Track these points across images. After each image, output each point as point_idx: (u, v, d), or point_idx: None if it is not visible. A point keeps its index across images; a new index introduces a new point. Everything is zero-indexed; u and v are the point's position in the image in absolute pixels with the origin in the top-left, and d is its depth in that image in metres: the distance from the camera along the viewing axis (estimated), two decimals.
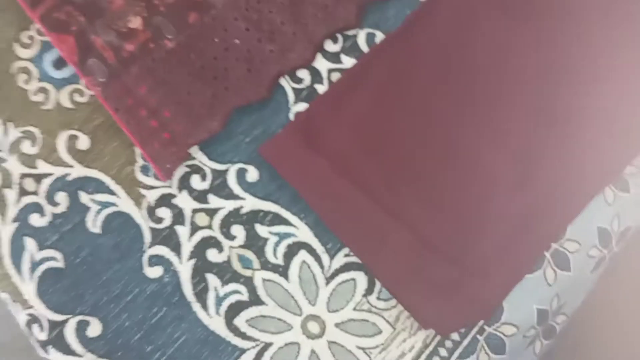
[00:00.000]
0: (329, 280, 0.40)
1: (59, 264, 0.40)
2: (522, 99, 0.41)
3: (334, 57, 0.44)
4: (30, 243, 0.40)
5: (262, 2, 0.44)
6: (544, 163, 0.40)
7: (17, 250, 0.40)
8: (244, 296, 0.39)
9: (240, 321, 0.39)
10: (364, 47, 0.44)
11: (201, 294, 0.40)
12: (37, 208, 0.41)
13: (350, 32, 0.44)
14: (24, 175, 0.41)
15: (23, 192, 0.41)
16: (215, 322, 0.39)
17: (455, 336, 0.39)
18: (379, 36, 0.44)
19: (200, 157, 0.42)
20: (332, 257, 0.40)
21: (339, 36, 0.44)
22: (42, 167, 0.42)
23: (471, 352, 0.39)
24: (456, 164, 0.41)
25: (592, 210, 0.41)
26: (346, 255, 0.40)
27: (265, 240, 0.40)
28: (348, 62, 0.44)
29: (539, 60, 0.41)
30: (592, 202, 0.40)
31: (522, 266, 0.40)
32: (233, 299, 0.39)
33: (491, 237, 0.40)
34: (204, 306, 0.39)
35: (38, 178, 0.41)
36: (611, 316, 0.48)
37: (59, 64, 0.44)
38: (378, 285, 0.40)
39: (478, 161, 0.41)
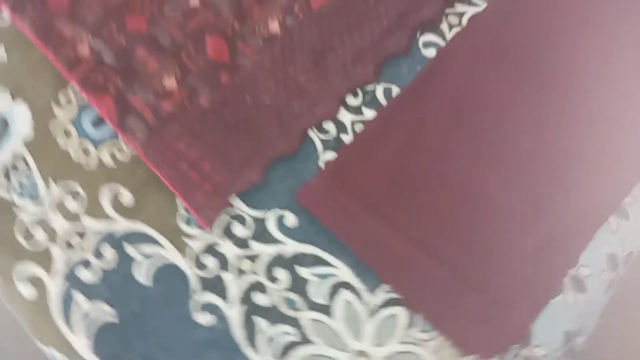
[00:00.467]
0: (371, 316, 0.42)
1: (111, 317, 0.41)
2: (530, 140, 0.46)
3: (356, 110, 0.48)
4: (80, 299, 0.41)
5: (288, 64, 0.48)
6: (554, 197, 0.45)
7: (67, 307, 0.41)
8: (293, 337, 0.41)
9: None
10: (382, 100, 0.48)
11: (251, 337, 0.41)
12: (85, 263, 0.42)
13: (369, 88, 0.48)
14: (69, 232, 0.43)
15: (69, 248, 0.42)
16: None
17: None
18: (395, 90, 0.48)
19: (240, 206, 0.44)
20: (373, 294, 0.42)
21: (359, 91, 0.48)
22: (88, 222, 0.43)
23: None
24: (475, 202, 0.45)
25: (600, 237, 0.45)
26: (386, 292, 0.43)
27: (308, 281, 0.43)
28: (369, 114, 0.48)
29: (542, 104, 0.47)
30: (599, 230, 0.45)
31: (545, 292, 0.43)
32: (283, 340, 0.41)
33: (514, 267, 0.43)
34: (255, 349, 0.41)
35: (83, 234, 0.43)
36: (622, 334, 0.52)
37: (98, 122, 0.46)
38: (419, 318, 0.42)
39: (494, 198, 0.45)
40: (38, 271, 0.42)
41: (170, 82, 0.47)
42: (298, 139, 0.47)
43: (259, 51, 0.48)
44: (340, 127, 0.47)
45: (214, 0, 0.49)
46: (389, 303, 0.42)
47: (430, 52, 0.50)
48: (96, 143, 0.45)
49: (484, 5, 0.51)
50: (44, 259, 0.42)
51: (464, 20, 0.51)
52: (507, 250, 0.44)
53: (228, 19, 0.49)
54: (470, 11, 0.51)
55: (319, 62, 0.49)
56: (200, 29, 0.49)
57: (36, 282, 0.42)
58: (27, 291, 0.42)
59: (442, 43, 0.50)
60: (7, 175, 0.44)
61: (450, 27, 0.51)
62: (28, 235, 0.43)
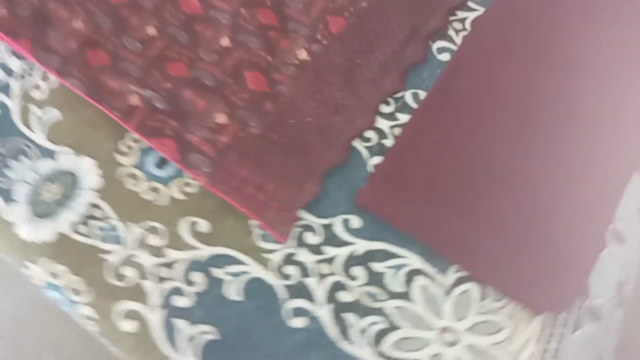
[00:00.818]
0: (447, 295, 0.46)
1: (214, 335, 0.44)
2: (551, 117, 0.52)
3: (391, 117, 0.52)
4: (181, 323, 0.44)
5: (322, 85, 0.53)
6: (585, 166, 0.50)
7: (171, 333, 0.43)
8: (382, 325, 0.45)
9: (386, 347, 0.44)
10: (412, 104, 0.53)
11: (344, 332, 0.44)
12: (177, 291, 0.45)
13: (398, 95, 0.53)
14: (157, 265, 0.45)
15: (160, 280, 0.45)
16: (365, 353, 0.44)
17: (563, 316, 0.46)
18: (422, 93, 0.53)
19: (307, 217, 0.48)
20: (444, 275, 0.46)
21: (390, 100, 0.53)
22: (172, 254, 0.46)
23: (580, 325, 0.46)
24: (514, 178, 0.50)
25: (628, 194, 0.51)
26: (455, 272, 0.46)
27: (384, 274, 0.46)
28: (403, 117, 0.52)
29: (552, 86, 0.52)
30: (627, 188, 0.50)
31: (594, 248, 0.48)
32: (373, 329, 0.44)
33: (563, 230, 0.48)
34: (350, 342, 0.44)
35: (170, 265, 0.46)
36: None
37: (161, 163, 0.49)
38: (489, 289, 0.46)
39: (531, 173, 0.50)
40: (136, 306, 0.44)
41: (220, 117, 0.51)
42: (344, 149, 0.51)
43: (293, 78, 0.53)
44: (380, 133, 0.52)
45: (243, 38, 0.54)
46: (460, 281, 0.46)
47: (445, 56, 0.55)
48: (164, 182, 0.48)
49: (481, 9, 0.57)
50: (138, 294, 0.45)
51: (467, 24, 0.56)
52: (553, 216, 0.49)
53: (260, 53, 0.54)
54: (470, 16, 0.57)
55: (349, 80, 0.53)
56: (237, 65, 0.53)
57: (136, 317, 0.44)
58: (129, 326, 0.44)
59: (453, 46, 0.55)
60: (87, 225, 0.47)
61: (457, 31, 0.56)
62: (119, 276, 0.45)
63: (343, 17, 0.56)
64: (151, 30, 0.54)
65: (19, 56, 0.53)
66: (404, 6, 0.57)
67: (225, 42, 0.54)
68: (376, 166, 0.50)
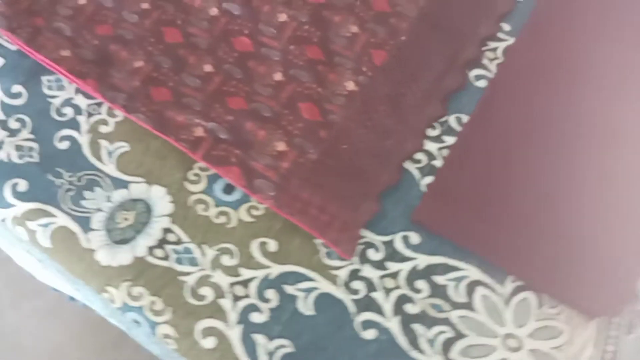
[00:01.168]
0: (507, 304, 0.48)
1: (290, 349, 0.46)
2: (584, 132, 0.55)
3: (438, 139, 0.56)
4: (259, 338, 0.46)
5: (371, 113, 0.57)
6: (619, 172, 0.54)
7: (250, 348, 0.46)
8: (449, 334, 0.47)
9: (454, 355, 0.46)
10: (457, 127, 0.57)
11: (414, 342, 0.47)
12: (253, 308, 0.47)
13: (443, 119, 0.57)
14: (232, 284, 0.48)
15: (237, 298, 0.47)
16: None
17: (617, 319, 0.49)
18: (464, 117, 0.57)
19: (368, 235, 0.51)
20: (502, 285, 0.49)
21: (436, 124, 0.57)
22: (245, 273, 0.48)
23: (632, 328, 0.49)
24: (560, 191, 0.53)
25: None
26: (513, 281, 0.49)
27: (446, 286, 0.49)
28: (449, 140, 0.56)
29: (585, 104, 0.57)
30: None
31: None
32: (441, 338, 0.47)
33: (609, 237, 0.51)
34: (421, 351, 0.46)
35: (245, 283, 0.48)
36: None
37: (228, 189, 0.52)
38: (545, 297, 0.49)
39: (576, 187, 0.54)
40: (215, 324, 0.47)
41: (280, 146, 0.54)
42: (397, 171, 0.54)
43: (344, 107, 0.57)
44: (429, 155, 0.55)
45: (294, 72, 0.58)
46: (517, 290, 0.49)
47: (482, 83, 0.59)
48: (233, 206, 0.51)
49: (510, 39, 0.62)
50: (217, 312, 0.47)
51: (498, 53, 0.61)
52: (600, 224, 0.52)
53: (311, 86, 0.58)
54: (500, 45, 0.61)
55: (396, 107, 0.57)
56: (292, 97, 0.57)
57: (216, 334, 0.46)
58: (210, 343, 0.46)
59: (488, 73, 0.59)
60: (162, 248, 0.50)
61: (490, 60, 0.60)
62: (197, 295, 0.48)
63: (385, 51, 0.60)
64: (208, 68, 0.58)
65: (85, 94, 0.57)
66: (439, 39, 0.61)
67: (278, 76, 0.58)
68: (429, 185, 0.54)
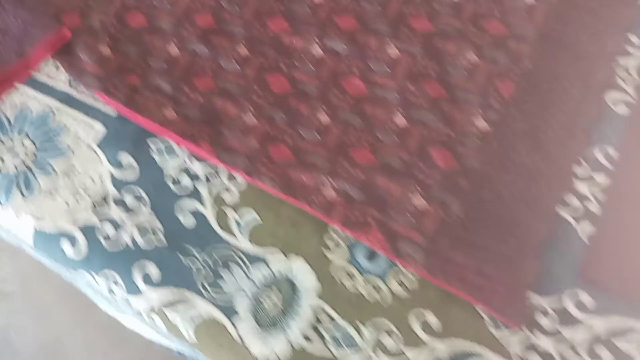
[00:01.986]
0: None
1: None
2: None
3: (588, 178, 0.51)
4: None
5: (511, 153, 0.51)
6: None
7: None
8: None
9: None
10: (604, 161, 0.51)
11: None
12: None
13: (587, 154, 0.52)
14: None
15: None
16: None
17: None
18: (610, 149, 0.51)
19: (533, 296, 0.46)
20: None
21: (581, 159, 0.52)
22: (411, 354, 0.44)
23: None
24: None
25: None
26: None
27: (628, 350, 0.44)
28: (599, 177, 0.50)
29: None
30: None
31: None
32: None
33: None
34: None
35: None
36: None
37: (371, 256, 0.48)
38: None
39: None
40: None
41: (419, 201, 0.49)
42: (552, 220, 0.49)
43: (480, 150, 0.52)
44: (581, 197, 0.50)
45: (417, 114, 0.53)
46: None
47: (621, 108, 0.54)
48: (380, 276, 0.47)
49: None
50: None
51: (631, 70, 0.55)
52: None
53: (439, 129, 0.53)
54: (631, 62, 0.56)
55: (535, 144, 0.52)
56: (421, 144, 0.52)
57: None
58: None
59: (626, 96, 0.54)
60: (317, 331, 0.45)
61: (624, 80, 0.55)
62: None
63: (511, 80, 0.55)
64: (324, 118, 0.53)
65: (199, 159, 0.52)
66: (566, 60, 0.56)
67: (399, 120, 0.53)
68: (592, 238, 0.49)
